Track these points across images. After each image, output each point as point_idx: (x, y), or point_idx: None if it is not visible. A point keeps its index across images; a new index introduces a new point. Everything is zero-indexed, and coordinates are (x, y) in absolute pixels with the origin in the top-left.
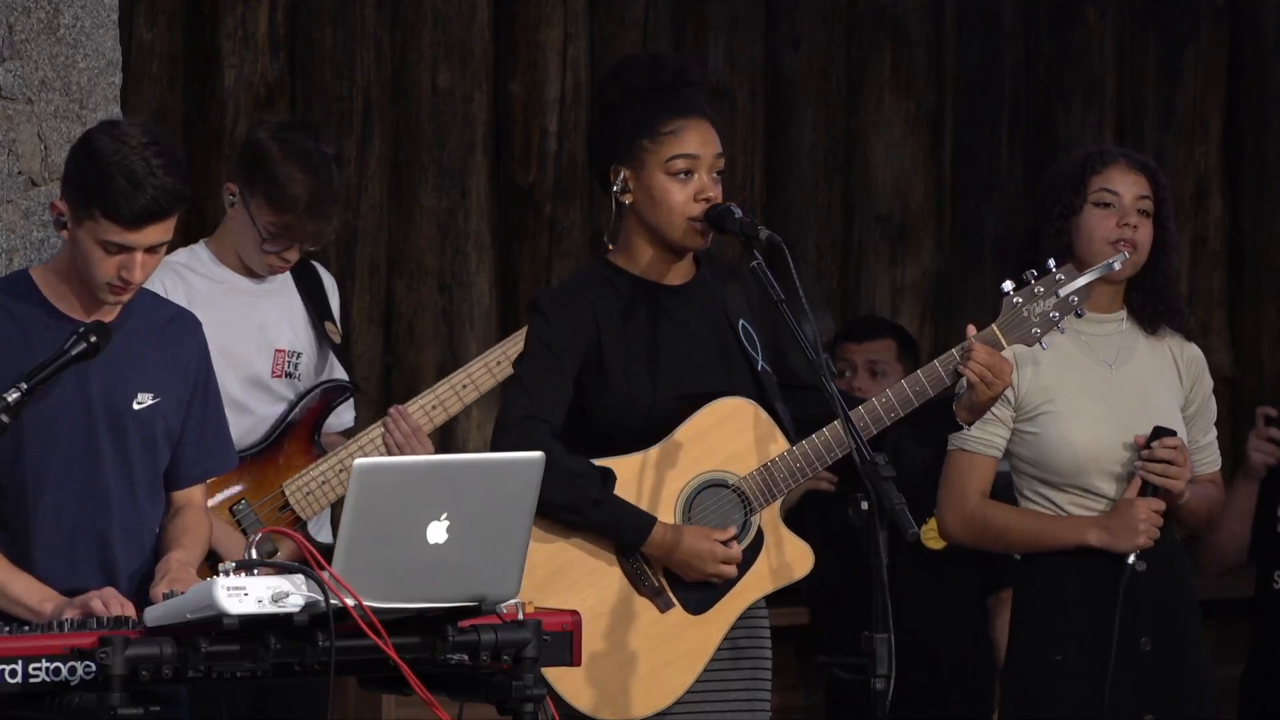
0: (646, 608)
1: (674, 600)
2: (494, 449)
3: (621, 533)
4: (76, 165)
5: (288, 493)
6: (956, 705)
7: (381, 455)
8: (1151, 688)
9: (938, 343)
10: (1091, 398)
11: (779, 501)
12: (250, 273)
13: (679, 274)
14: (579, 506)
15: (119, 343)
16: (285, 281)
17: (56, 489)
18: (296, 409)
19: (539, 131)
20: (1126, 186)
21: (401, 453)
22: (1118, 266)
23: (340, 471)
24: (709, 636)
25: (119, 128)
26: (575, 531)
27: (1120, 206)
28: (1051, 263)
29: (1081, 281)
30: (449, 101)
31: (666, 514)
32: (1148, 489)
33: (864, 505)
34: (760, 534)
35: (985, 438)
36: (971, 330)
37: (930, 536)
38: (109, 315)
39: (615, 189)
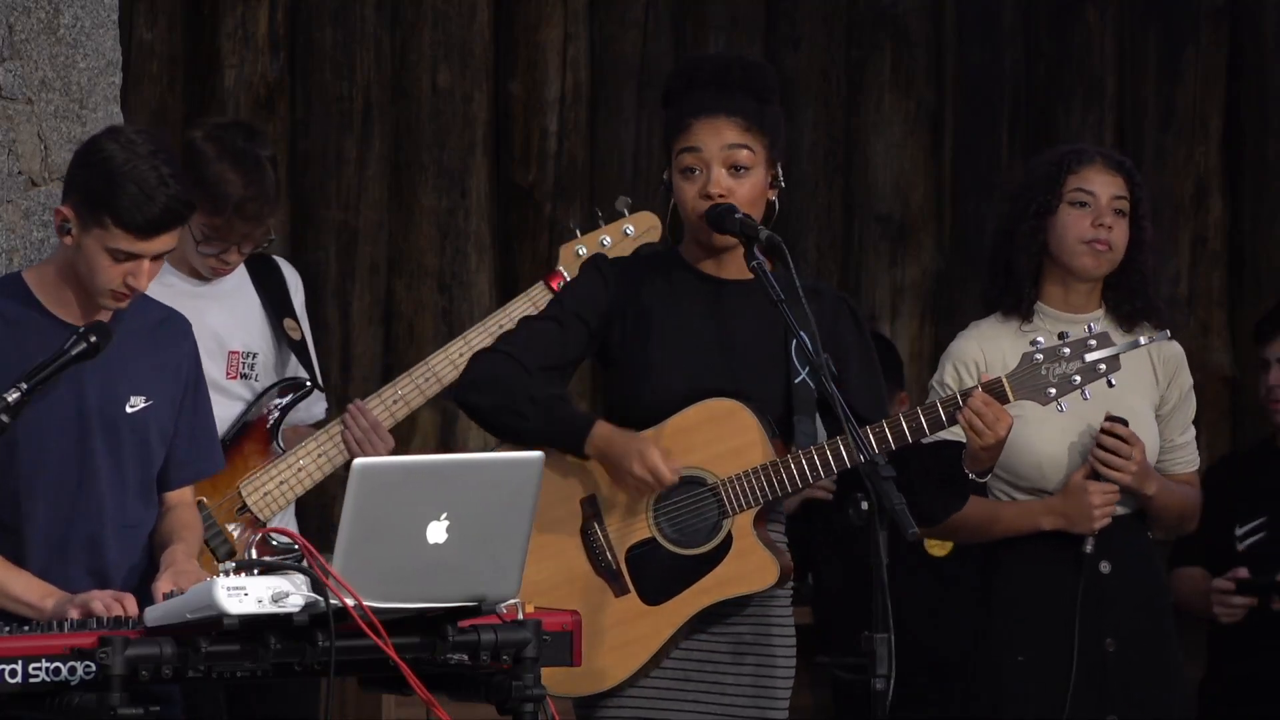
0: (602, 589)
1: (630, 586)
2: (460, 375)
3: (562, 430)
4: (85, 173)
5: (244, 493)
6: (957, 705)
7: (340, 452)
8: (1116, 689)
9: (937, 343)
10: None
11: (754, 510)
12: (201, 276)
13: (740, 270)
14: (515, 405)
15: (111, 345)
16: (241, 281)
17: (49, 493)
18: (252, 409)
19: (539, 131)
20: (1102, 186)
21: (361, 448)
22: (1144, 342)
23: (298, 471)
24: (659, 629)
25: (125, 134)
26: (544, 499)
27: (1095, 206)
28: (1090, 326)
29: (1109, 352)
30: (449, 101)
31: (637, 499)
32: (1096, 473)
33: (864, 505)
34: (730, 538)
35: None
36: (984, 378)
37: (934, 544)
38: (103, 317)
39: (663, 186)
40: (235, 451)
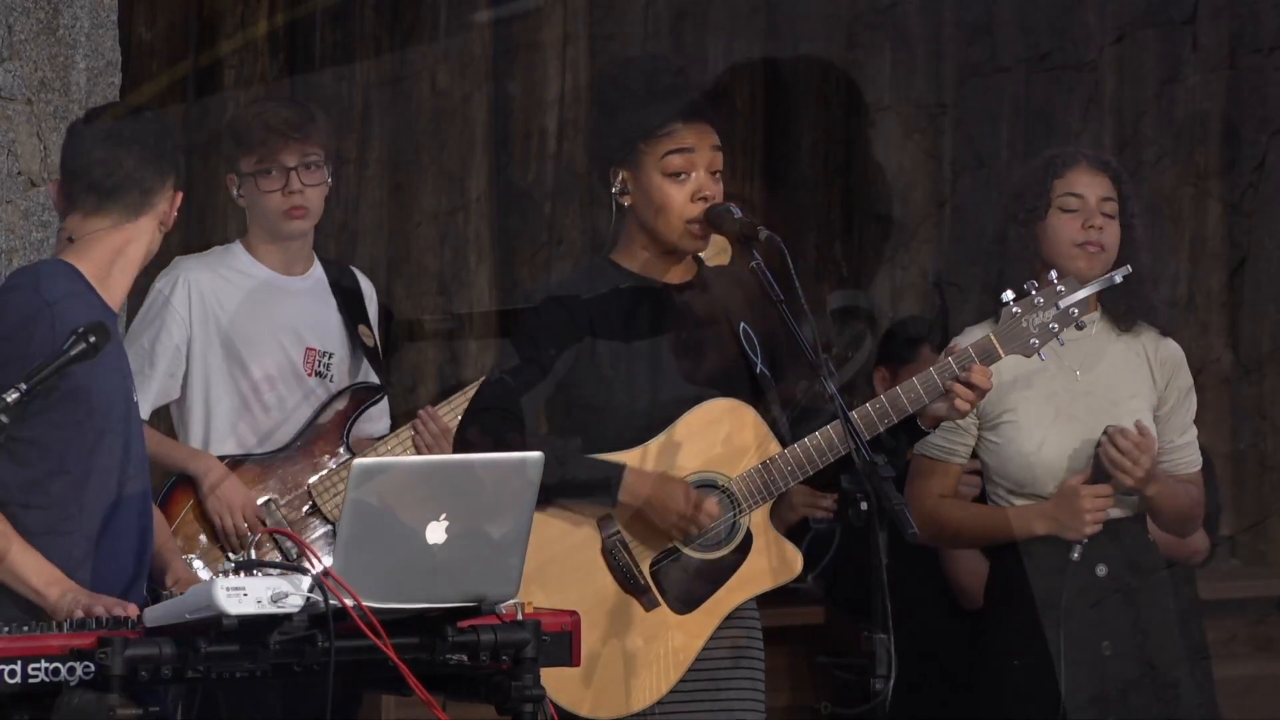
0: (631, 605)
1: (659, 599)
2: (455, 437)
3: (593, 485)
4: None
5: (314, 493)
6: (957, 705)
7: (409, 456)
8: (1114, 692)
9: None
10: (1053, 407)
11: (769, 504)
12: (287, 270)
13: (680, 273)
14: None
15: (115, 340)
16: (320, 283)
17: (103, 472)
18: (325, 410)
19: (538, 131)
20: (1089, 188)
21: (431, 454)
22: (1118, 279)
23: None
24: (693, 637)
25: (109, 113)
26: (560, 524)
27: (1085, 209)
28: (1054, 274)
29: (1081, 294)
30: (449, 101)
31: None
32: (1097, 477)
33: (864, 505)
34: (749, 536)
35: (947, 445)
36: (955, 348)
37: None
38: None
39: (614, 190)
40: (308, 453)
